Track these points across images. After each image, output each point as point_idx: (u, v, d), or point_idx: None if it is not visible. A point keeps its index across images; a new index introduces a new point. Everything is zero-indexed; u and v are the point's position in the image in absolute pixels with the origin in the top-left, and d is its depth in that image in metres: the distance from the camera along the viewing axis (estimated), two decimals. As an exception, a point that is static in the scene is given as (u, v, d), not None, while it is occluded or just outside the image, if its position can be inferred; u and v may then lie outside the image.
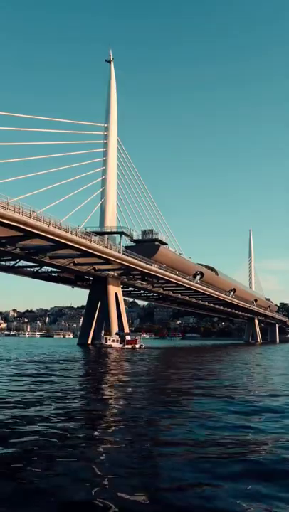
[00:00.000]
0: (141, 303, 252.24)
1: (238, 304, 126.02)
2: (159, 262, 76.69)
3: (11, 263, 66.97)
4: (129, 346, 69.14)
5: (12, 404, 13.36)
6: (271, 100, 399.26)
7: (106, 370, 29.01)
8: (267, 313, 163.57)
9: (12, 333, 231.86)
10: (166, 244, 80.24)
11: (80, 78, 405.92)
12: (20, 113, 63.38)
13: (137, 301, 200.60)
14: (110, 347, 67.81)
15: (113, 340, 70.59)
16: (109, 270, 73.52)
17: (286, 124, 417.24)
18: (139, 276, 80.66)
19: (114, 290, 76.85)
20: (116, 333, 72.44)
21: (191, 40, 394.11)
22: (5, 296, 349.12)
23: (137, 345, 71.03)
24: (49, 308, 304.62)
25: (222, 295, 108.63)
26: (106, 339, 70.95)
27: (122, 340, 71.30)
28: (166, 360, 45.46)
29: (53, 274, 76.33)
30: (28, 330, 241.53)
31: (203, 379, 22.60)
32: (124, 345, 69.66)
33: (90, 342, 75.68)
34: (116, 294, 77.02)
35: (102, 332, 72.32)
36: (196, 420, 11.23)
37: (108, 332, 72.24)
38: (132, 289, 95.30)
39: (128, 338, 73.77)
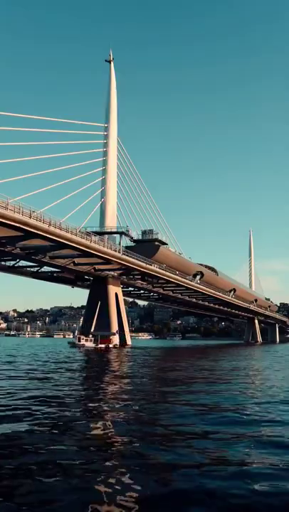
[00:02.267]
0: (141, 303, 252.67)
1: (238, 304, 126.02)
2: (159, 262, 76.69)
3: (11, 263, 66.97)
4: (102, 346, 68.86)
5: None
6: (271, 100, 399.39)
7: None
8: (267, 313, 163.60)
9: (12, 333, 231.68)
10: (166, 244, 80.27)
11: (80, 78, 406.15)
12: (20, 113, 63.54)
13: (137, 301, 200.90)
14: (83, 346, 68.67)
15: (86, 340, 71.40)
16: (109, 270, 73.51)
17: (286, 123, 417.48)
18: (139, 276, 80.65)
19: (114, 290, 76.85)
20: (91, 334, 72.93)
21: (191, 40, 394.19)
22: (5, 296, 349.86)
23: (111, 345, 70.12)
24: (49, 308, 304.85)
25: (222, 295, 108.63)
26: (79, 338, 71.95)
27: (96, 340, 71.67)
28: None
29: (53, 274, 76.34)
30: (28, 330, 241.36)
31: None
32: (97, 345, 69.99)
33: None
34: (116, 294, 77.03)
35: (76, 331, 72.56)
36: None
37: (82, 331, 72.52)
38: (132, 289, 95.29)
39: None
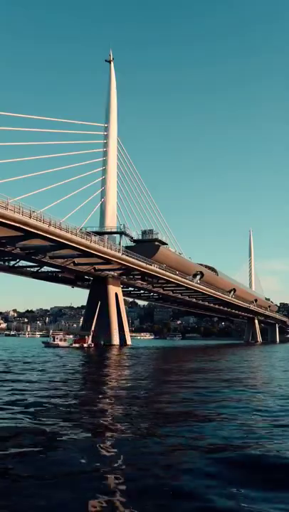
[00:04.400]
0: (141, 303, 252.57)
1: (238, 304, 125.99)
2: (159, 262, 76.69)
3: (11, 263, 67.00)
4: (77, 345, 69.06)
5: None
6: (271, 100, 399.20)
7: None
8: (267, 313, 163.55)
9: (12, 333, 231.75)
10: (166, 244, 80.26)
11: (80, 78, 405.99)
12: (20, 113, 63.52)
13: (137, 301, 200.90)
14: (57, 346, 69.71)
15: (60, 339, 72.96)
16: (109, 270, 73.52)
17: (286, 123, 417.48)
18: (139, 276, 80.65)
19: (114, 290, 76.85)
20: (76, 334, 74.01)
21: (191, 40, 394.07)
22: (5, 296, 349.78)
23: (85, 345, 70.15)
24: (49, 308, 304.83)
25: (222, 295, 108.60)
26: (54, 338, 72.61)
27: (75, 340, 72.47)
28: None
29: (53, 274, 76.38)
30: (28, 330, 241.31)
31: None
32: (71, 345, 70.66)
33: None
34: (116, 294, 77.02)
35: (51, 331, 73.40)
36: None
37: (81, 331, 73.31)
38: (132, 289, 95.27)
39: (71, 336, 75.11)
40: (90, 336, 71.38)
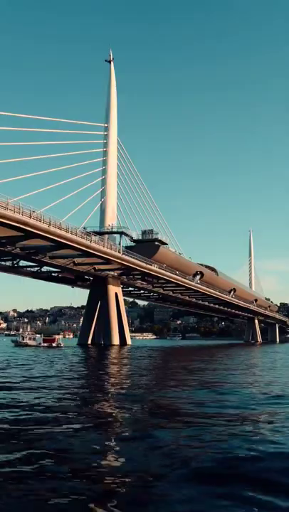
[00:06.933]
0: (141, 303, 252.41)
1: (238, 304, 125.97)
2: (159, 262, 76.68)
3: (11, 263, 67.01)
4: (46, 345, 69.95)
5: None
6: (272, 100, 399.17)
7: None
8: (267, 313, 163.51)
9: (12, 333, 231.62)
10: (166, 244, 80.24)
11: (80, 78, 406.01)
12: (20, 113, 63.49)
13: (137, 301, 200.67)
14: (26, 345, 70.83)
15: (29, 339, 74.03)
16: (109, 270, 73.53)
17: (286, 124, 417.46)
18: (139, 276, 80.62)
19: (114, 290, 76.83)
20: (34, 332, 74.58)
21: (191, 40, 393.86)
22: (5, 296, 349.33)
23: (54, 344, 71.15)
24: (49, 308, 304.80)
25: (222, 295, 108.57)
26: (22, 337, 73.27)
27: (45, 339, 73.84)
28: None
29: (53, 274, 76.37)
30: (28, 330, 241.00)
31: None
32: (40, 344, 71.60)
33: (90, 342, 75.87)
34: (116, 294, 77.00)
35: (21, 330, 74.16)
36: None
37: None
38: (132, 289, 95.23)
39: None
40: (61, 336, 72.14)
